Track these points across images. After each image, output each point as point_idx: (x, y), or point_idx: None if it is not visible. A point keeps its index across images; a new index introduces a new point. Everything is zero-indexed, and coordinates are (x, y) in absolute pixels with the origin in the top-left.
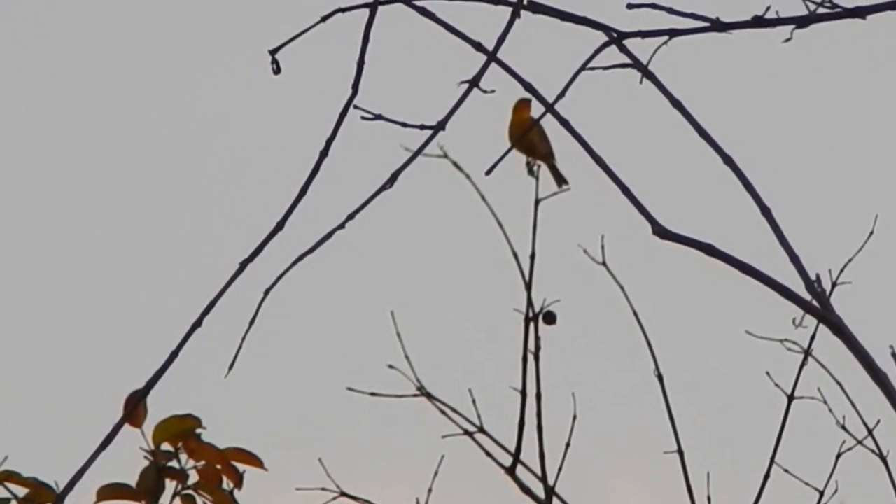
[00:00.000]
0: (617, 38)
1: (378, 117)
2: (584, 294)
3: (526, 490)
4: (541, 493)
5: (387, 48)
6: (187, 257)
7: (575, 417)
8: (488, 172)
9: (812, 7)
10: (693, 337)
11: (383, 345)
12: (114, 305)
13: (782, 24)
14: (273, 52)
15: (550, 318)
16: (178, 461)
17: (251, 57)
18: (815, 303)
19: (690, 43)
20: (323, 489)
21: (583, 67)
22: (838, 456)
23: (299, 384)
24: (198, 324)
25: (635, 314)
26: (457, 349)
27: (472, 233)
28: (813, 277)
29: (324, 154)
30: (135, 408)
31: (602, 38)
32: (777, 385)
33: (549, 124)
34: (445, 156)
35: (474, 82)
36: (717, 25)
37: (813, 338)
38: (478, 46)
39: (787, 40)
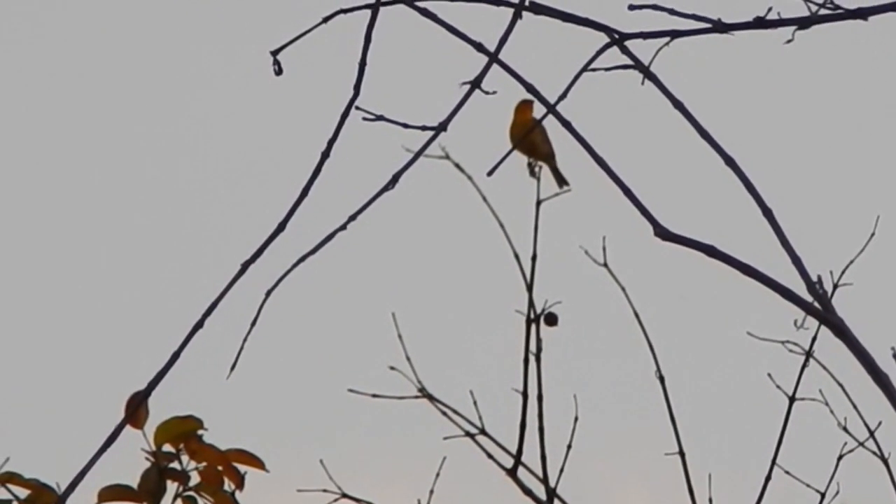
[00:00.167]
0: (618, 39)
1: (379, 118)
2: (586, 295)
3: (527, 492)
4: (542, 495)
5: (388, 49)
6: (189, 258)
7: (576, 419)
8: (490, 173)
9: (814, 8)
10: (694, 338)
11: (385, 346)
12: (115, 307)
13: (784, 26)
14: (275, 53)
15: (552, 320)
16: (180, 462)
17: (253, 58)
18: (816, 304)
19: (692, 44)
20: (324, 490)
21: (584, 68)
22: (840, 457)
23: (301, 386)
24: (199, 325)
25: (637, 315)
26: (458, 351)
27: (474, 234)
28: (814, 279)
29: (325, 155)
30: (136, 409)
31: (604, 39)
32: (778, 386)
33: (551, 125)
34: (447, 157)
35: (476, 83)
36: (719, 26)
37: (814, 339)
38: (479, 47)
39: (789, 41)
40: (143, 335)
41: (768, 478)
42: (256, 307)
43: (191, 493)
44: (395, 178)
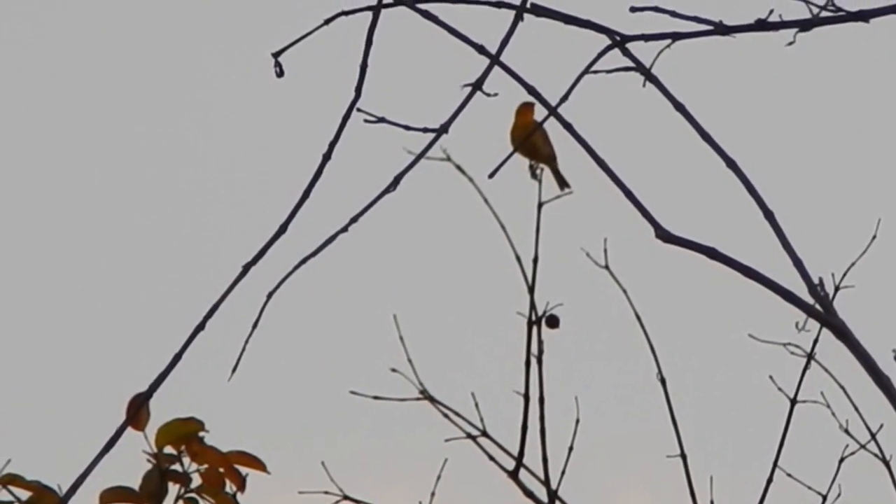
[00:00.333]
0: (620, 41)
1: (381, 120)
2: (587, 297)
3: (529, 494)
4: (544, 497)
5: (390, 51)
6: (190, 260)
7: (578, 421)
8: (491, 176)
9: (815, 10)
10: (696, 340)
11: (386, 348)
12: (116, 308)
13: (785, 28)
14: (276, 55)
15: (553, 322)
16: (181, 464)
17: (254, 60)
18: (817, 306)
19: (693, 46)
20: (326, 493)
21: (586, 71)
22: (841, 460)
23: (302, 388)
24: (201, 327)
25: (638, 318)
26: (459, 353)
27: (475, 236)
28: (816, 281)
29: (327, 157)
30: (138, 411)
31: (605, 41)
32: (780, 389)
33: (552, 127)
34: (448, 159)
35: (477, 85)
36: (721, 29)
37: (816, 341)
38: (481, 49)
39: (791, 44)
40: (145, 337)
41: (770, 480)
42: (258, 309)
43: (192, 494)
44: (396, 180)
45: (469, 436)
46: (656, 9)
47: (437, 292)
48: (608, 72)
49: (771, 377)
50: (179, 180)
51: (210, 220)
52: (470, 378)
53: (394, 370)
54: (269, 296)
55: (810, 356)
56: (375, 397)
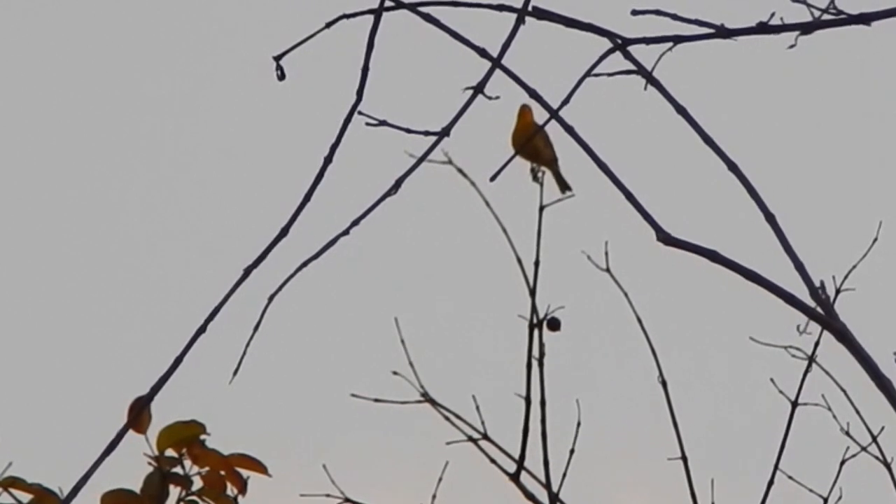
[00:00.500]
0: (621, 44)
1: (382, 123)
2: (589, 300)
3: (530, 497)
4: (545, 500)
5: (391, 54)
6: (192, 263)
7: (579, 424)
8: (493, 178)
9: (817, 13)
10: (697, 343)
11: (387, 351)
12: (118, 311)
13: (787, 31)
14: (277, 59)
15: (555, 325)
16: (183, 467)
17: (255, 63)
18: (819, 309)
19: (695, 49)
20: (327, 495)
21: (587, 73)
22: (842, 462)
23: (303, 390)
24: (202, 330)
25: (639, 320)
26: (461, 355)
27: (477, 239)
28: (817, 284)
29: (328, 160)
30: (139, 413)
31: (606, 44)
32: (781, 391)
33: (554, 130)
34: (450, 162)
35: (479, 88)
36: (722, 32)
37: (817, 344)
38: (482, 52)
39: (792, 47)
40: (146, 340)
41: (771, 483)
42: (259, 312)
43: (193, 497)
44: (397, 183)
45: (470, 438)
46: (658, 12)
47: (439, 295)
48: (609, 75)
49: (772, 380)
50: (181, 183)
51: (211, 223)
52: (471, 381)
53: (395, 373)
54: (271, 299)
55: (811, 359)
56: (377, 400)
